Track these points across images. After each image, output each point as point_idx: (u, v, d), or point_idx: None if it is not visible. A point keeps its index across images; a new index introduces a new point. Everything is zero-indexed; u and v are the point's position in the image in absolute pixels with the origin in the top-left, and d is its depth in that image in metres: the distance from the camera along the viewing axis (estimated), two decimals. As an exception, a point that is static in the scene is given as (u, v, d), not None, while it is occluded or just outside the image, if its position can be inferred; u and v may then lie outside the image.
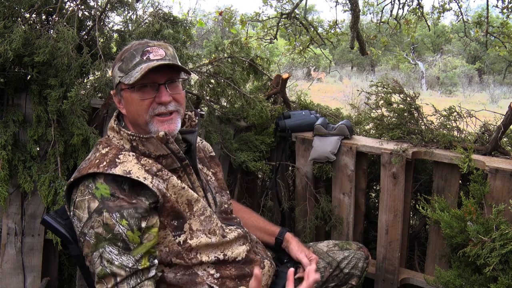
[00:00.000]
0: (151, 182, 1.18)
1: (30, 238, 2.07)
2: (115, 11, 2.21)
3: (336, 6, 5.78)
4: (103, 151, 1.23)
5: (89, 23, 2.12)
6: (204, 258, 1.26)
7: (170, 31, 2.16)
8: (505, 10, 5.05)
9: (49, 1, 1.97)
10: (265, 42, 5.92)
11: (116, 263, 1.12)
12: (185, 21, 2.30)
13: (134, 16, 2.29)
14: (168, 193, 1.21)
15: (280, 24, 5.42)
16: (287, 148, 2.37)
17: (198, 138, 1.51)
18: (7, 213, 2.03)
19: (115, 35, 2.23)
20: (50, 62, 1.84)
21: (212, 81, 2.25)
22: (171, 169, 1.26)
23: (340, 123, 2.18)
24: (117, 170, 1.16)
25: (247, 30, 6.33)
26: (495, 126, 2.04)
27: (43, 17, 2.05)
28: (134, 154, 1.23)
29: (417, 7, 5.42)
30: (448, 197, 1.94)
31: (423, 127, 2.13)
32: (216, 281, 1.26)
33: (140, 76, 1.19)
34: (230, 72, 2.21)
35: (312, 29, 5.65)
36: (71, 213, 1.20)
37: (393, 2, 5.44)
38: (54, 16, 1.94)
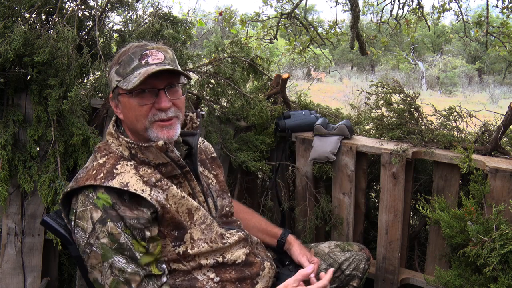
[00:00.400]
0: (149, 195, 1.16)
1: (30, 238, 2.07)
2: (115, 11, 2.20)
3: (336, 6, 5.78)
4: (101, 161, 1.20)
5: (89, 23, 2.12)
6: (203, 261, 1.25)
7: (170, 31, 2.16)
8: (505, 10, 5.05)
9: (49, 1, 1.97)
10: (265, 42, 5.92)
11: (129, 270, 1.11)
12: (185, 21, 2.29)
13: (134, 16, 2.28)
14: (168, 203, 1.19)
15: (280, 24, 5.42)
16: (287, 148, 2.37)
17: (200, 139, 1.48)
18: (7, 213, 2.03)
19: (115, 35, 2.23)
20: (50, 62, 1.84)
21: (212, 81, 2.24)
22: (171, 175, 1.24)
23: (340, 123, 2.18)
24: (114, 183, 1.14)
25: (247, 30, 6.33)
26: (495, 126, 2.04)
27: (43, 17, 2.04)
28: (132, 163, 1.20)
29: (417, 7, 5.42)
30: (448, 197, 1.94)
31: (423, 127, 2.12)
32: (216, 285, 1.25)
33: (139, 81, 1.15)
34: (230, 72, 2.20)
35: (312, 29, 5.65)
36: (73, 223, 1.17)
37: (393, 2, 5.44)
38: (54, 16, 1.94)
